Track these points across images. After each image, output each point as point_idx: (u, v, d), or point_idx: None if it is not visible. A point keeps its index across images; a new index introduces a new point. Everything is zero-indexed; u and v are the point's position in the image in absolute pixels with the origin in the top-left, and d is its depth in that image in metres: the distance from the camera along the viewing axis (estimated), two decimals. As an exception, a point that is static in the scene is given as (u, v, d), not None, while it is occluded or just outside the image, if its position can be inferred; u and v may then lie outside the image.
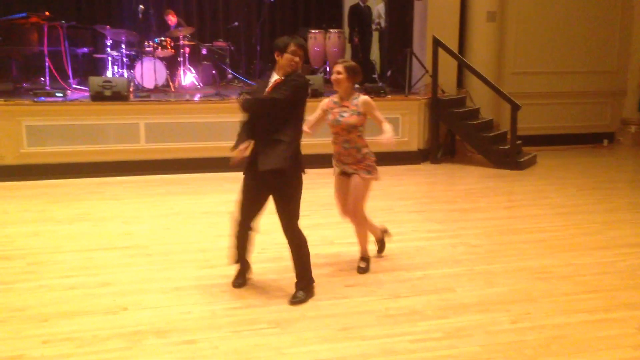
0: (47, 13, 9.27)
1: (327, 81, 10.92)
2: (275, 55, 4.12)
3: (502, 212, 6.66)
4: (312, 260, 4.79)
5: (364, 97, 4.57)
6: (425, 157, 9.14)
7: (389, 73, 9.93)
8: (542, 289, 4.46)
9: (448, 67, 9.51)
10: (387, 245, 5.32)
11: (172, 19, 10.64)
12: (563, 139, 10.67)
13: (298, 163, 4.10)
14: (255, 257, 5.01)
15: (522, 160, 8.86)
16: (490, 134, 9.14)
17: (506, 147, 8.93)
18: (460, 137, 9.42)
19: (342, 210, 4.73)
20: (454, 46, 9.50)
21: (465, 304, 4.17)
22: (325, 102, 4.63)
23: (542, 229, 5.91)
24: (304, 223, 6.00)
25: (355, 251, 4.97)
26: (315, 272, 4.65)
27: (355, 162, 4.57)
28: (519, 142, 9.06)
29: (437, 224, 6.04)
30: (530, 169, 8.92)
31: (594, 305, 4.18)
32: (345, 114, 4.47)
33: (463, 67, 9.75)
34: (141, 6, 9.96)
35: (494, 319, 3.95)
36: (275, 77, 4.10)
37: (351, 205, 4.61)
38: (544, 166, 9.08)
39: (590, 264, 4.98)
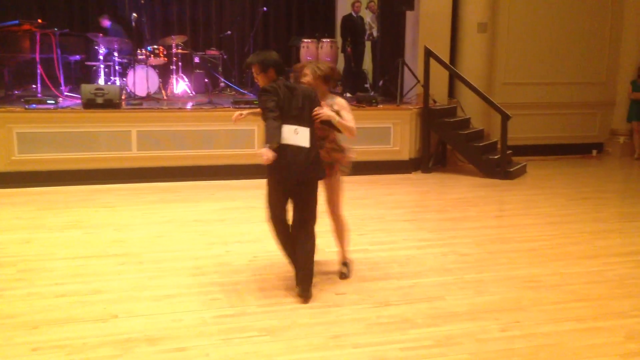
0: (39, 20, 9.29)
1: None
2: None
3: (492, 221, 6.71)
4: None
5: (340, 99, 4.65)
6: (417, 166, 9.19)
7: (381, 83, 10.00)
8: (531, 297, 4.50)
9: (439, 77, 9.58)
10: (379, 254, 5.36)
11: (105, 22, 10.66)
12: (552, 149, 10.77)
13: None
14: (246, 265, 5.04)
15: (512, 170, 8.93)
16: (481, 144, 9.20)
17: (496, 156, 9.00)
18: (451, 146, 9.48)
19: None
20: (445, 56, 9.58)
21: (456, 312, 4.20)
22: None
23: (531, 238, 5.95)
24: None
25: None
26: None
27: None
28: (509, 152, 9.13)
29: (427, 233, 6.08)
30: (520, 178, 8.99)
31: (582, 314, 4.22)
32: None
33: (454, 77, 9.83)
34: (134, 14, 10.00)
35: (483, 327, 3.98)
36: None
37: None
38: (534, 176, 9.15)
39: (579, 273, 5.02)
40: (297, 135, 4.19)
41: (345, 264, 4.87)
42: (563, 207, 7.27)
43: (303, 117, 4.23)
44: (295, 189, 4.32)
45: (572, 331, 3.96)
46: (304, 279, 4.35)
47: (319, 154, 4.37)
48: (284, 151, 4.14)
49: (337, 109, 4.47)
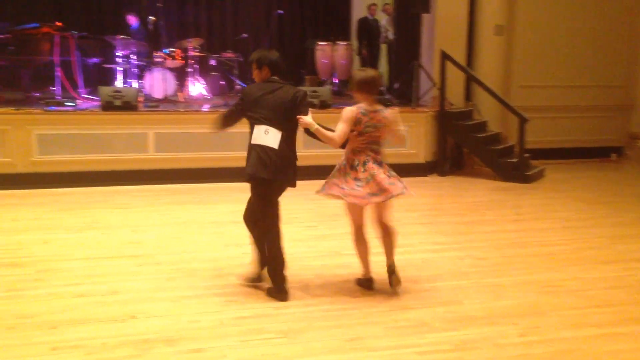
0: (58, 23, 9.37)
1: (335, 93, 11.06)
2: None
3: (510, 225, 6.66)
4: (319, 271, 4.89)
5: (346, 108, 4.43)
6: (432, 170, 9.15)
7: (396, 85, 9.97)
8: (550, 302, 4.46)
9: (456, 80, 9.54)
10: (395, 257, 5.30)
11: (132, 20, 10.72)
12: (571, 153, 10.67)
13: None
14: (263, 267, 5.04)
15: (529, 173, 8.86)
16: (498, 147, 9.15)
17: (514, 160, 8.94)
18: (467, 149, 9.43)
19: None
20: (461, 59, 9.54)
21: (473, 317, 4.17)
22: None
23: (549, 243, 5.90)
24: (311, 234, 6.04)
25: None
26: (322, 283, 4.69)
27: None
28: (526, 155, 9.07)
29: (444, 237, 6.05)
30: (538, 182, 8.91)
31: (602, 320, 4.17)
32: None
33: (471, 80, 9.78)
34: (151, 17, 10.07)
35: (502, 332, 3.95)
36: None
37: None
38: (552, 180, 9.07)
39: (598, 278, 4.97)
40: (266, 136, 4.28)
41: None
42: (581, 211, 7.20)
43: (278, 119, 4.28)
44: (261, 187, 4.36)
45: (592, 337, 3.91)
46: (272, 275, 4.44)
47: (293, 160, 4.39)
48: (252, 150, 4.31)
49: None
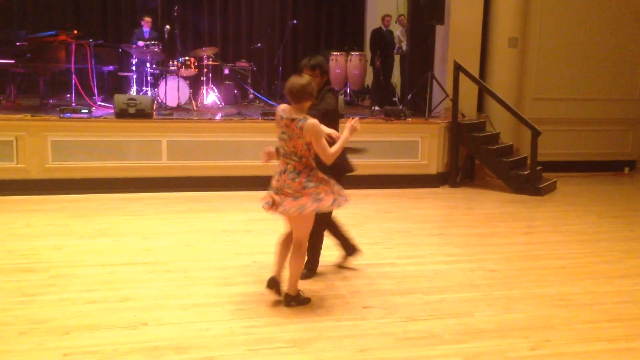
0: (75, 31, 9.49)
1: (348, 102, 11.10)
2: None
3: (521, 237, 6.63)
4: (329, 281, 4.87)
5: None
6: (444, 181, 9.14)
7: (409, 96, 9.99)
8: (561, 316, 4.43)
9: (469, 92, 9.54)
10: (406, 268, 5.33)
11: (147, 22, 10.81)
12: (584, 166, 10.62)
13: None
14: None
15: (541, 186, 8.82)
16: (510, 159, 9.13)
17: (526, 172, 8.90)
18: (479, 161, 9.41)
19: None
20: (475, 71, 9.54)
21: (484, 329, 4.16)
22: None
23: (561, 256, 5.87)
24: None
25: (373, 272, 4.99)
26: (333, 293, 4.69)
27: None
28: (539, 167, 9.03)
29: (455, 248, 6.03)
30: (550, 195, 8.87)
31: (614, 334, 4.14)
32: None
33: (484, 92, 9.77)
34: (167, 26, 10.18)
35: (512, 345, 3.93)
36: None
37: None
38: (564, 192, 9.03)
39: (611, 292, 4.94)
40: None
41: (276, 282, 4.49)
42: (594, 224, 7.16)
43: None
44: None
45: (603, 351, 3.89)
46: None
47: None
48: None
49: None
